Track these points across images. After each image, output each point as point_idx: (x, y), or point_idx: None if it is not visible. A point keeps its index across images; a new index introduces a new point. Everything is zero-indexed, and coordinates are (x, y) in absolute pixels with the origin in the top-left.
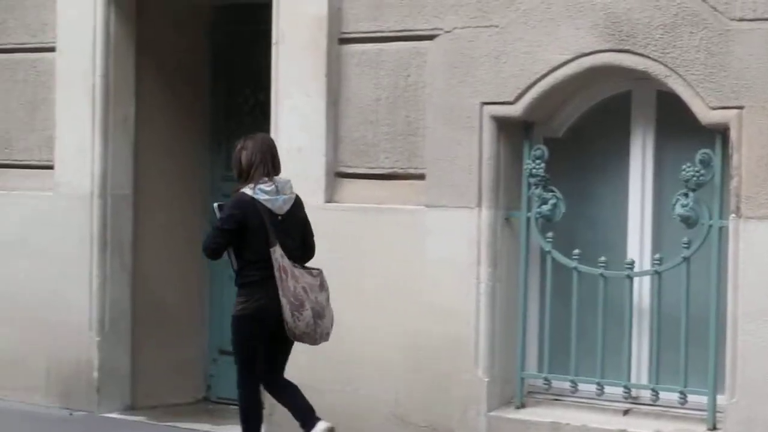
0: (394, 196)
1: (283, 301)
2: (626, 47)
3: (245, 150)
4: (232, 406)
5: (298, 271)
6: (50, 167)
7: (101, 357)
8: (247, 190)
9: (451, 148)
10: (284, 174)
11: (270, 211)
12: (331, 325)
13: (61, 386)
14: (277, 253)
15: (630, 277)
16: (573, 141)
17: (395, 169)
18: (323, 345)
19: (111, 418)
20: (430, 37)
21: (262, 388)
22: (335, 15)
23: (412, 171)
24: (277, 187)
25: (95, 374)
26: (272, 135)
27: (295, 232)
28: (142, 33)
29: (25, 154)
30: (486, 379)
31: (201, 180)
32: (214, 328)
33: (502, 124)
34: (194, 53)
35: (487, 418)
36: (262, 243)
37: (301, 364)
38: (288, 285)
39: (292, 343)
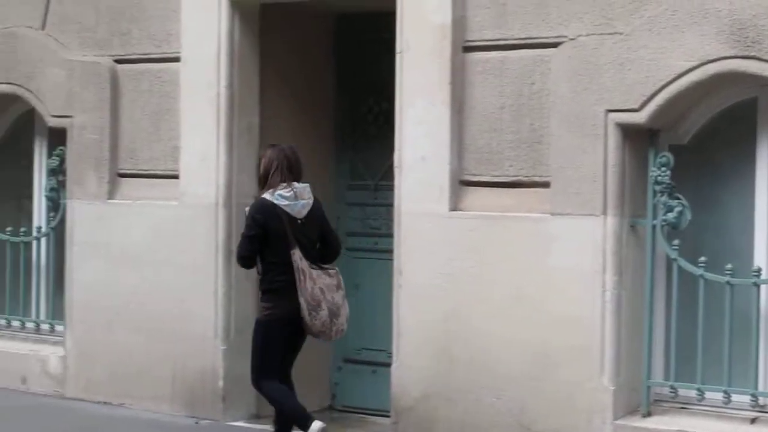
0: (519, 204)
1: (301, 300)
2: (752, 53)
3: (264, 158)
4: (356, 415)
5: (315, 273)
6: (175, 177)
7: (226, 366)
8: (268, 196)
9: (575, 155)
10: (408, 183)
11: (289, 216)
12: (346, 322)
13: (187, 395)
14: (296, 256)
15: (757, 285)
16: (698, 148)
17: (520, 177)
18: (448, 354)
19: (236, 426)
20: (554, 45)
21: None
22: (459, 23)
23: (536, 179)
24: (295, 192)
25: (220, 383)
26: (396, 144)
27: (314, 235)
28: (266, 42)
29: (150, 164)
30: (612, 388)
31: (325, 188)
32: None
33: (627, 131)
34: (318, 62)
35: (613, 427)
36: (282, 246)
37: (427, 373)
38: (306, 286)
39: (303, 341)
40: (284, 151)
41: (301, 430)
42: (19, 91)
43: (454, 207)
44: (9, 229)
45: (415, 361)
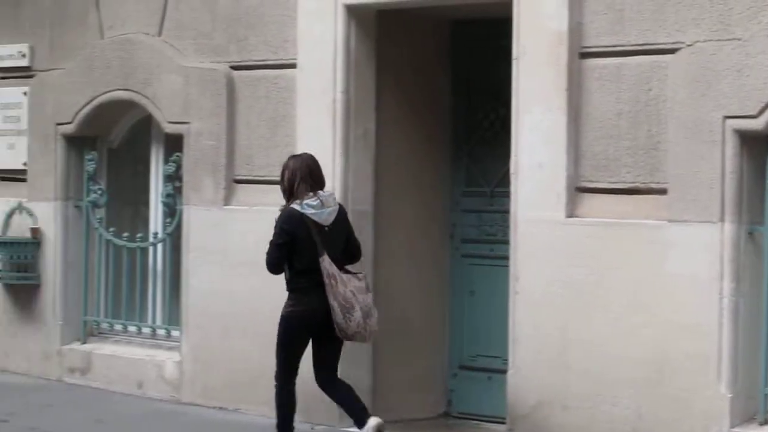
0: (636, 211)
1: (334, 304)
2: None
3: (287, 169)
4: (472, 421)
5: (345, 277)
6: None
7: (342, 372)
8: (296, 206)
9: (693, 162)
10: (525, 189)
11: (316, 223)
12: (377, 323)
13: (302, 401)
14: (326, 262)
15: None
16: None
17: (637, 184)
18: (564, 361)
19: (351, 431)
20: (672, 51)
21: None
22: (576, 29)
23: (653, 185)
24: (321, 200)
25: None
26: (512, 150)
27: (340, 240)
28: (382, 48)
29: (266, 170)
30: (729, 395)
31: (441, 195)
32: (454, 343)
33: (745, 137)
34: (434, 68)
35: None
36: (310, 253)
37: (543, 380)
38: (338, 290)
39: (341, 344)
40: (306, 161)
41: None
42: (136, 98)
43: (571, 214)
44: (126, 234)
45: (531, 368)
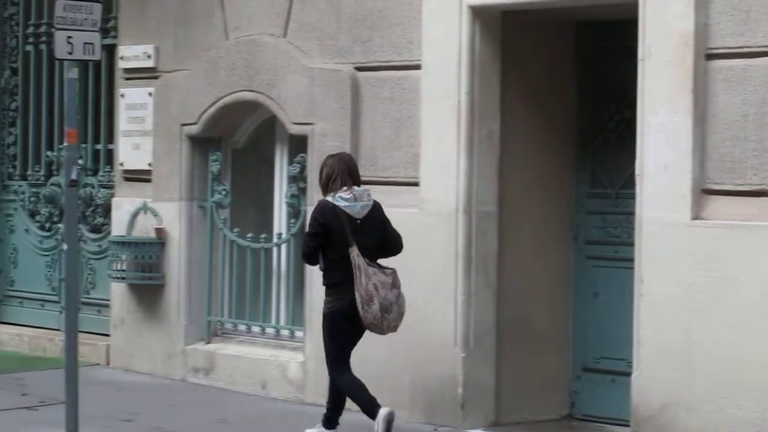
0: (762, 213)
1: (356, 295)
2: None
3: (326, 167)
4: (596, 423)
5: (371, 270)
6: (415, 184)
7: (466, 373)
8: (329, 198)
9: None
10: (650, 191)
11: (349, 216)
12: (399, 319)
13: (426, 402)
14: (354, 253)
15: None
16: None
17: (763, 186)
18: (689, 364)
19: None
20: None
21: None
22: (702, 31)
23: None
24: (354, 195)
25: (460, 390)
26: (638, 152)
27: (374, 234)
28: (507, 49)
29: (391, 171)
30: None
31: (566, 196)
32: (578, 345)
33: None
34: (559, 69)
35: None
36: (342, 244)
37: (668, 383)
38: (361, 281)
39: (361, 335)
40: (344, 158)
41: (370, 417)
42: (261, 99)
43: (696, 216)
44: (250, 235)
45: (656, 370)
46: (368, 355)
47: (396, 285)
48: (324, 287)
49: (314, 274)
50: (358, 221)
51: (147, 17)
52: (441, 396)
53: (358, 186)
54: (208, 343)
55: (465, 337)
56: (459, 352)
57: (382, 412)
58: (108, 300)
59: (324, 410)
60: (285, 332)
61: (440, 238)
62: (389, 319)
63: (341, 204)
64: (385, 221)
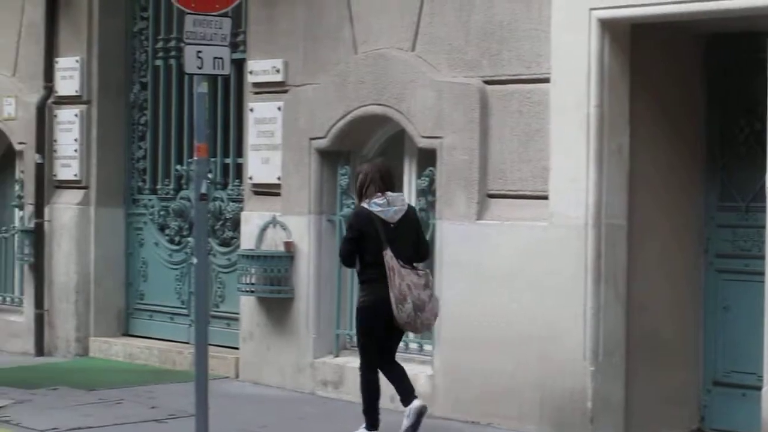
0: None
1: (390, 294)
2: None
3: (361, 173)
4: None
5: (405, 271)
6: (544, 197)
7: (595, 387)
8: (364, 204)
9: None
10: None
11: (383, 220)
12: (433, 318)
13: (555, 415)
14: (388, 255)
15: None
16: None
17: None
18: None
19: None
20: None
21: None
22: None
23: None
24: (388, 200)
25: (589, 404)
26: None
27: (408, 237)
28: (636, 61)
29: (519, 184)
30: None
31: (695, 209)
32: (708, 359)
33: None
34: (688, 82)
35: None
36: (376, 247)
37: None
38: (395, 282)
39: (401, 334)
40: (377, 165)
41: (366, 422)
42: (390, 112)
43: None
44: None
45: None
46: (498, 368)
47: (428, 285)
48: (359, 283)
49: (443, 288)
50: (392, 225)
51: (276, 32)
52: (570, 409)
53: (392, 191)
54: (337, 356)
55: (594, 351)
56: (588, 365)
57: None
58: (237, 313)
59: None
60: (414, 346)
61: (569, 252)
62: (422, 317)
63: (375, 209)
64: (418, 225)
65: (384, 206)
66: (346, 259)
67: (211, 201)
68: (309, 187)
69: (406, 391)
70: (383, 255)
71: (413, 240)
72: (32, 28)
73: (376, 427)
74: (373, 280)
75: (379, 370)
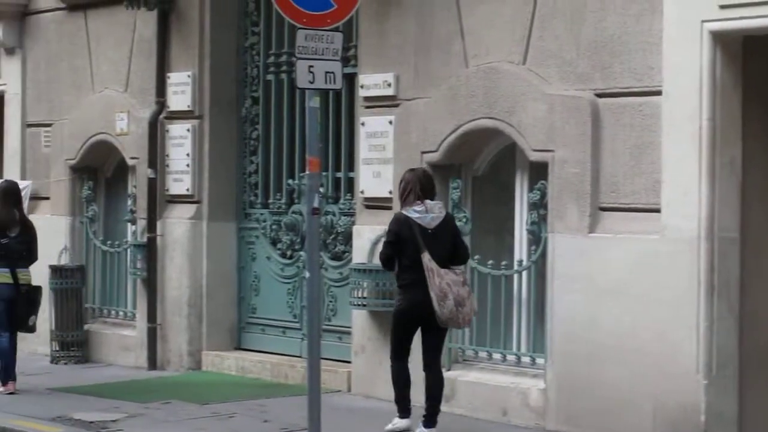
0: None
1: (432, 294)
2: None
3: (403, 181)
4: None
5: (443, 271)
6: (656, 210)
7: (708, 401)
8: (404, 211)
9: None
10: None
11: (420, 226)
12: (472, 313)
13: (668, 429)
14: (426, 258)
15: None
16: None
17: None
18: None
19: None
20: None
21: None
22: None
23: None
24: (426, 207)
25: (702, 418)
26: None
27: (445, 242)
28: (748, 74)
29: (631, 197)
30: None
31: None
32: None
33: None
34: None
35: None
36: (414, 250)
37: None
38: (435, 282)
39: (444, 333)
40: (418, 174)
41: (398, 412)
42: (501, 126)
43: None
44: (490, 262)
45: None
46: (610, 381)
47: (466, 282)
48: (397, 287)
49: (555, 302)
50: (430, 231)
51: (387, 46)
52: (683, 423)
53: (432, 199)
54: (449, 369)
55: (707, 365)
56: (701, 379)
57: (405, 422)
58: (349, 327)
59: None
60: (526, 359)
61: (682, 265)
62: (463, 312)
63: (413, 216)
64: (456, 231)
65: (422, 213)
66: (385, 262)
67: (322, 215)
68: None
69: (430, 409)
70: (421, 258)
71: (450, 245)
72: (144, 44)
73: (408, 414)
74: (408, 285)
75: (406, 359)
